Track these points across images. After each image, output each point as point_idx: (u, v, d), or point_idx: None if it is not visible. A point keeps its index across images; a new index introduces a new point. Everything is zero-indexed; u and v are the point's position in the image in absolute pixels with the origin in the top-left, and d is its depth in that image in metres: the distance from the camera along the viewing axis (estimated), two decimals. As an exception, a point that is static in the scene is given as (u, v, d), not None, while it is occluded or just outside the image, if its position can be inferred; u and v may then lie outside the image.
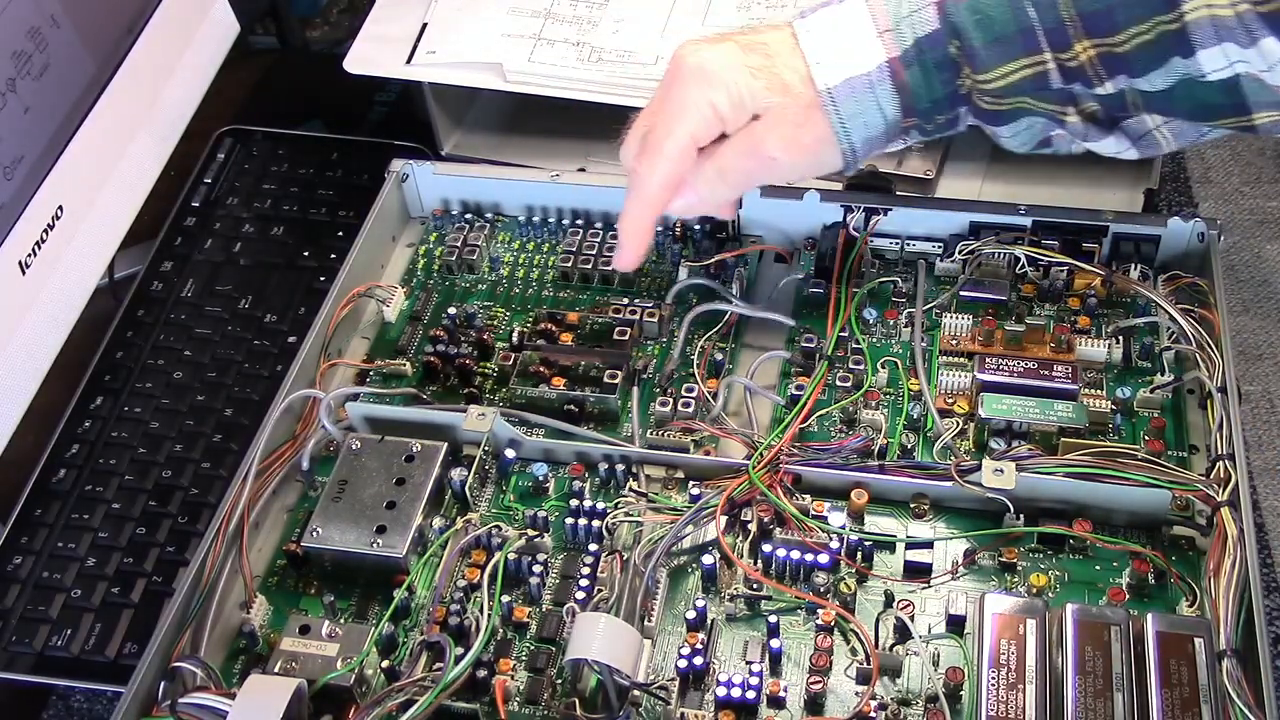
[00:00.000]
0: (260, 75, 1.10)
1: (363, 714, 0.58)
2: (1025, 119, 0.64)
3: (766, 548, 0.63)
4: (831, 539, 0.64)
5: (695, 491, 0.66)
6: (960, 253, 0.75)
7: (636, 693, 0.59)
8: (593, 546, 0.65)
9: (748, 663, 0.61)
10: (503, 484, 0.69)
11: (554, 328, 0.75)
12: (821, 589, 0.63)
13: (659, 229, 0.81)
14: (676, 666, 0.60)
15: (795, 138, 0.63)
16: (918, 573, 0.64)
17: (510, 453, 0.69)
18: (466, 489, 0.67)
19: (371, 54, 0.90)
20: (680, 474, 0.68)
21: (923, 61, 0.62)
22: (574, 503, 0.67)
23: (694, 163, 0.65)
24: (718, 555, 0.64)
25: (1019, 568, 0.64)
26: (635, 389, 0.72)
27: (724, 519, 0.64)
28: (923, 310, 0.74)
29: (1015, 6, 0.60)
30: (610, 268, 0.78)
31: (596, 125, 0.91)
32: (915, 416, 0.70)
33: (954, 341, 0.73)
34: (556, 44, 0.88)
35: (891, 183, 0.86)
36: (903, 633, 0.61)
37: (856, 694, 0.60)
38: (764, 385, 0.71)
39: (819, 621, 0.61)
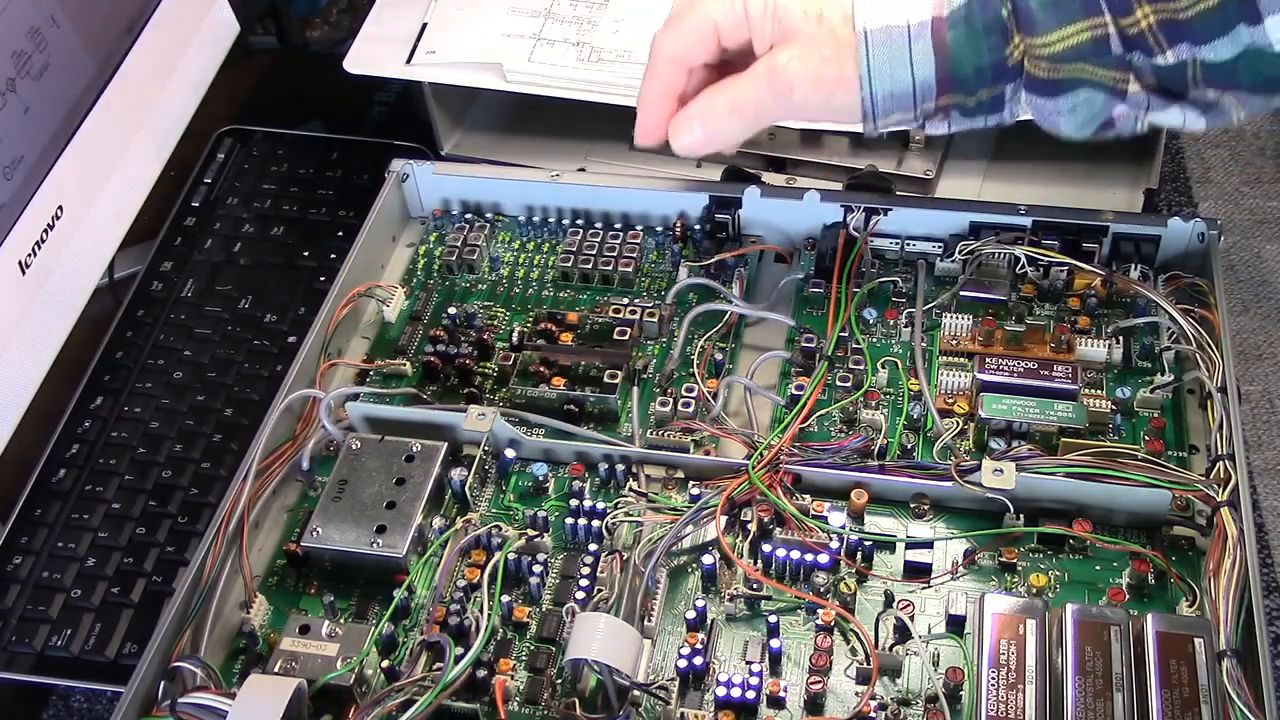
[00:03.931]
0: (260, 75, 1.10)
1: (363, 714, 0.58)
2: (1084, 91, 0.60)
3: (766, 548, 0.63)
4: (831, 539, 0.64)
5: (695, 491, 0.66)
6: (960, 253, 0.75)
7: (636, 693, 0.59)
8: (593, 546, 0.65)
9: (748, 663, 0.61)
10: (503, 484, 0.69)
11: (554, 328, 0.75)
12: (821, 589, 0.63)
13: (659, 229, 0.81)
14: (676, 666, 0.60)
15: (818, 72, 0.61)
16: (918, 573, 0.64)
17: (510, 453, 0.69)
18: (466, 489, 0.67)
19: (371, 54, 0.90)
20: (680, 474, 0.68)
21: (970, 22, 0.59)
22: (574, 503, 0.67)
23: (699, 79, 0.64)
24: (718, 555, 0.64)
25: (1019, 568, 0.64)
26: (635, 389, 0.72)
27: (724, 519, 0.64)
28: (923, 310, 0.74)
29: None
30: (611, 268, 0.79)
31: (596, 125, 0.91)
32: (915, 416, 0.70)
33: (954, 341, 0.73)
34: (556, 44, 0.88)
35: (891, 183, 0.86)
36: (903, 633, 0.61)
37: (856, 694, 0.60)
38: (764, 385, 0.71)
39: (819, 621, 0.61)
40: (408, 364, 0.75)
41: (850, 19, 0.60)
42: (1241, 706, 0.55)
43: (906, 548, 0.64)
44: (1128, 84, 0.60)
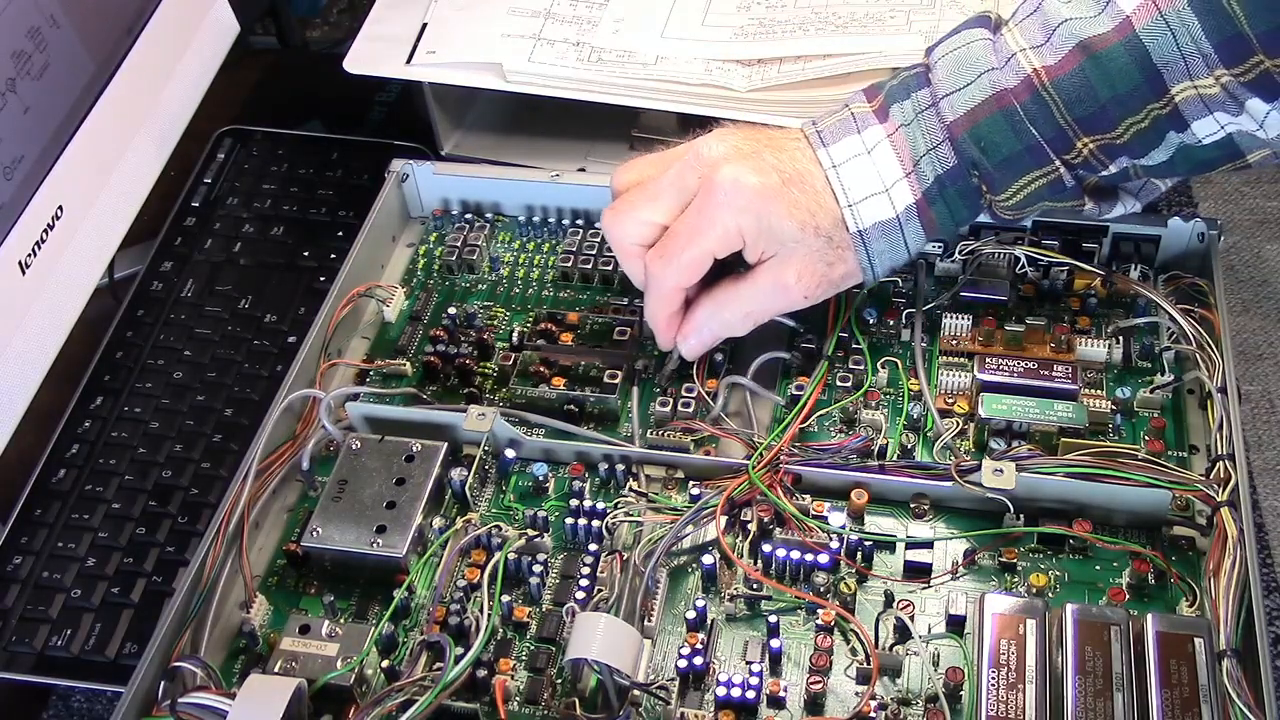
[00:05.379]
0: (260, 75, 1.10)
1: (363, 714, 0.58)
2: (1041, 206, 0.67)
3: (766, 548, 0.63)
4: (831, 539, 0.64)
5: (695, 491, 0.66)
6: (960, 253, 0.75)
7: (636, 693, 0.59)
8: (593, 546, 0.65)
9: (748, 663, 0.61)
10: (503, 484, 0.69)
11: (554, 328, 0.75)
12: (821, 589, 0.63)
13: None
14: (676, 666, 0.60)
15: (826, 275, 0.66)
16: (918, 573, 0.64)
17: (510, 453, 0.69)
18: (466, 489, 0.67)
19: (371, 54, 0.90)
20: (680, 474, 0.68)
21: (946, 196, 0.65)
22: (574, 503, 0.67)
23: (700, 291, 0.68)
24: (718, 555, 0.64)
25: (1019, 568, 0.64)
26: (635, 389, 0.72)
27: (724, 519, 0.64)
28: (923, 310, 0.74)
29: (1015, 127, 0.63)
30: (611, 269, 0.79)
31: (596, 125, 0.91)
32: (915, 416, 0.70)
33: (954, 341, 0.73)
34: (556, 44, 0.88)
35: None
36: (903, 633, 0.61)
37: (856, 694, 0.60)
38: (764, 385, 0.71)
39: (819, 621, 0.61)
40: (408, 364, 0.75)
41: (841, 222, 0.65)
42: (1241, 706, 0.55)
43: (906, 548, 0.64)
44: (1083, 207, 0.67)
